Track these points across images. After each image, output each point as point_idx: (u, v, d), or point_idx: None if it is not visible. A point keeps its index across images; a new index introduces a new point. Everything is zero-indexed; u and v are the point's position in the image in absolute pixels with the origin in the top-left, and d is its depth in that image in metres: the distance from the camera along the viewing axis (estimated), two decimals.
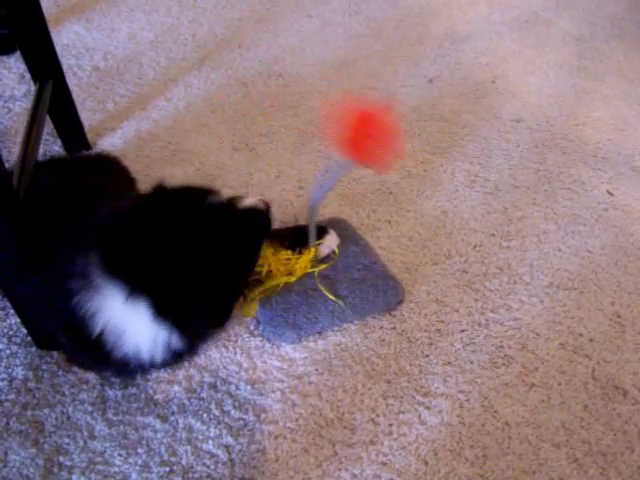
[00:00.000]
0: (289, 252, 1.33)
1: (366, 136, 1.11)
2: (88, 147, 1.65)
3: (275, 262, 1.31)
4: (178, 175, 1.58)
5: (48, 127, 1.59)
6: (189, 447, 1.10)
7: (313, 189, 1.28)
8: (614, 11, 2.49)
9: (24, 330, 1.23)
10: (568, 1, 2.54)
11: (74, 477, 1.06)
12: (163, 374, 1.20)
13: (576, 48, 2.25)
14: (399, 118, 1.10)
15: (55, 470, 1.07)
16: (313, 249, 1.34)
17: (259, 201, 1.14)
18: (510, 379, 1.24)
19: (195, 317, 0.99)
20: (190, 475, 1.07)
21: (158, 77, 1.93)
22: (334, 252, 1.37)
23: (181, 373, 1.21)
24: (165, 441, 1.11)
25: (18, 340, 1.25)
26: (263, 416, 1.16)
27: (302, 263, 1.32)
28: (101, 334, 0.97)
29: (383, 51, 2.15)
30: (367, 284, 1.32)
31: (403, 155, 1.11)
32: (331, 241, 1.38)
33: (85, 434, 1.11)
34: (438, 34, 2.27)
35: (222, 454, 1.10)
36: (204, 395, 1.18)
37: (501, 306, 1.37)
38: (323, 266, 1.34)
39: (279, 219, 1.51)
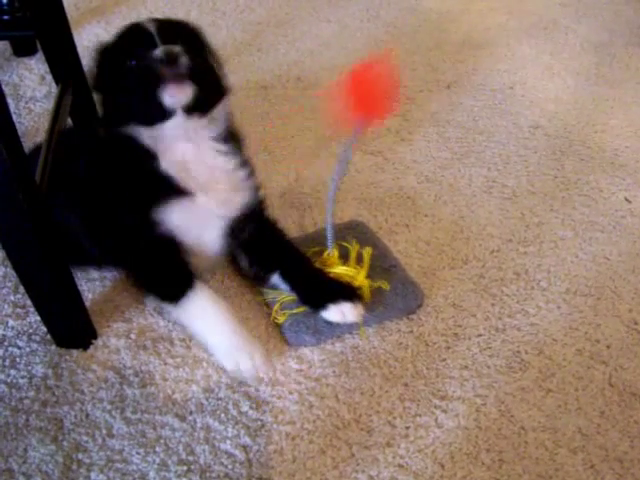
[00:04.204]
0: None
1: (362, 93, 1.15)
2: None
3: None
4: None
5: None
6: (207, 446, 1.11)
7: (333, 182, 1.30)
8: (633, 18, 2.49)
9: (44, 328, 1.24)
10: (587, 8, 2.54)
11: (93, 474, 1.07)
12: (182, 374, 1.21)
13: (594, 55, 2.25)
14: (392, 66, 1.14)
15: (74, 467, 1.07)
16: (336, 252, 1.35)
17: None
18: (527, 384, 1.24)
19: None
20: (208, 474, 1.07)
21: None
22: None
23: (199, 373, 1.22)
24: (183, 440, 1.12)
25: (38, 338, 1.26)
26: (280, 417, 1.16)
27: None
28: None
29: (401, 56, 2.16)
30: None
31: (398, 100, 1.16)
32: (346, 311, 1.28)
33: (104, 432, 1.12)
34: (456, 40, 2.27)
35: (239, 454, 1.10)
36: (222, 395, 1.18)
37: (518, 311, 1.37)
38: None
39: (298, 223, 1.51)
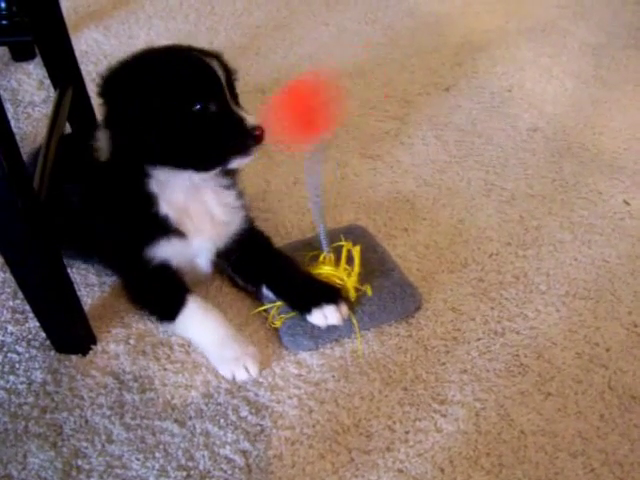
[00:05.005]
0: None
1: (303, 110, 1.14)
2: None
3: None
4: None
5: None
6: (206, 452, 1.11)
7: (309, 191, 1.30)
8: (631, 20, 2.49)
9: (43, 334, 1.24)
10: (585, 10, 2.54)
11: None
12: (181, 379, 1.21)
13: (593, 57, 2.25)
14: (333, 79, 1.14)
15: (73, 473, 1.07)
16: (332, 256, 1.35)
17: None
18: (526, 388, 1.24)
19: None
20: None
21: None
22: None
23: (198, 378, 1.21)
24: (182, 446, 1.12)
25: (37, 344, 1.26)
26: (280, 422, 1.16)
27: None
28: None
29: (400, 59, 2.16)
30: (384, 291, 1.33)
31: (343, 114, 1.14)
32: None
33: (103, 438, 1.12)
34: (455, 43, 2.27)
35: (239, 459, 1.10)
36: (221, 400, 1.18)
37: (517, 315, 1.37)
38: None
39: (297, 226, 1.51)
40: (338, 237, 1.38)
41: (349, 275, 1.32)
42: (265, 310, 1.32)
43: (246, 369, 1.20)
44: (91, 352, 1.25)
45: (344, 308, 1.26)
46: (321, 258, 1.35)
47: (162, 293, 1.28)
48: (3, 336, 1.27)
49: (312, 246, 1.40)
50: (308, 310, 1.26)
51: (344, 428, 1.16)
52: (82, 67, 1.58)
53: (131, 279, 1.32)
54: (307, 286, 1.30)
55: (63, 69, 1.50)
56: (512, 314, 1.37)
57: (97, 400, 1.17)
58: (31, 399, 1.17)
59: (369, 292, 1.32)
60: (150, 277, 1.27)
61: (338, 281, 1.32)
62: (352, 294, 1.31)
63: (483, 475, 1.10)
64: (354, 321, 1.28)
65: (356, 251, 1.35)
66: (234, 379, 1.21)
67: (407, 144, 1.81)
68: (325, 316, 1.24)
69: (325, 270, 1.33)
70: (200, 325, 1.25)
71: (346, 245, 1.37)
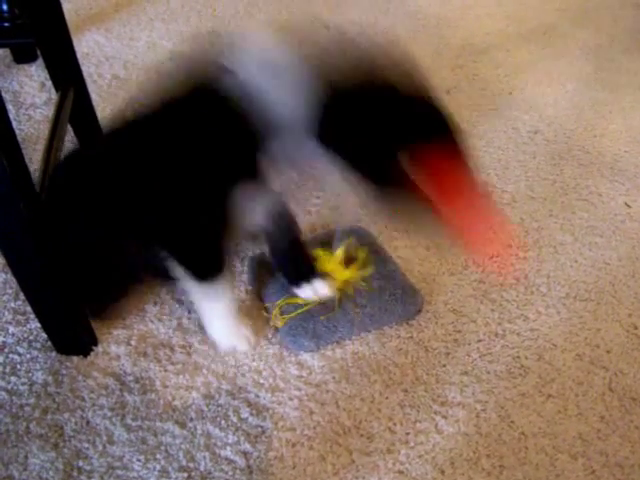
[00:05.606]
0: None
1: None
2: None
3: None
4: None
5: (68, 134, 1.60)
6: (207, 453, 1.11)
7: None
8: (631, 24, 2.49)
9: (44, 335, 1.24)
10: (585, 14, 2.54)
11: None
12: (182, 380, 1.21)
13: (593, 60, 2.25)
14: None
15: (74, 474, 1.07)
16: (340, 251, 1.37)
17: None
18: (527, 389, 1.24)
19: None
20: None
21: None
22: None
23: (199, 380, 1.22)
24: (183, 447, 1.12)
25: (38, 345, 1.26)
26: (281, 423, 1.16)
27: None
28: None
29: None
30: (386, 293, 1.33)
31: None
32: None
33: (104, 439, 1.12)
34: (456, 46, 2.27)
35: (240, 460, 1.10)
36: (222, 402, 1.19)
37: (518, 317, 1.37)
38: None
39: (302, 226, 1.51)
40: (341, 237, 1.39)
41: (351, 277, 1.33)
42: (266, 309, 1.32)
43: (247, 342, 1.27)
44: (92, 353, 1.25)
45: (332, 284, 1.31)
46: (324, 256, 1.35)
47: (211, 251, 1.19)
48: (4, 337, 1.27)
49: (314, 245, 1.40)
50: (298, 284, 1.30)
51: (345, 429, 1.16)
52: (83, 69, 1.58)
53: (190, 232, 1.15)
54: (305, 263, 1.33)
55: (65, 71, 1.51)
56: (513, 316, 1.37)
57: (98, 401, 1.18)
58: (32, 400, 1.17)
59: (367, 285, 1.34)
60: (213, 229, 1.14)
61: (340, 280, 1.33)
62: (351, 292, 1.33)
63: (484, 476, 1.10)
64: (357, 311, 1.30)
65: (362, 252, 1.36)
66: (234, 350, 1.26)
67: None
68: (315, 289, 1.30)
69: (329, 268, 1.34)
70: (220, 299, 1.24)
71: (348, 241, 1.38)
